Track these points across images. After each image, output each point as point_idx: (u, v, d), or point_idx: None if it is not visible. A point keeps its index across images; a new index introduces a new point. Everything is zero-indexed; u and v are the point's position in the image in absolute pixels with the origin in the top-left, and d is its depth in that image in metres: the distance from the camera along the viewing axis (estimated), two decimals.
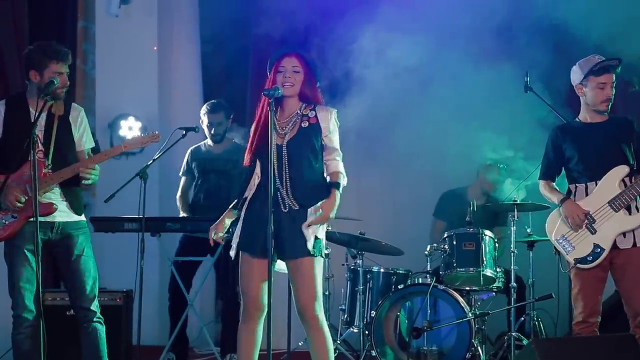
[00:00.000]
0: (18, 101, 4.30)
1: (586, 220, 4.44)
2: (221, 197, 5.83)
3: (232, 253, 3.98)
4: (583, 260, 4.42)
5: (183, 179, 6.02)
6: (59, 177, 4.22)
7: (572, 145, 4.55)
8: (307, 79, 3.96)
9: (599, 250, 4.41)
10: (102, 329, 4.34)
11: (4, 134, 4.24)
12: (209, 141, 5.96)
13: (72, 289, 4.32)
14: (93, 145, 4.48)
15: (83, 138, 4.39)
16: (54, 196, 4.27)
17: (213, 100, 6.02)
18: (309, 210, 3.87)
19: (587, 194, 4.50)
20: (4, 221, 4.19)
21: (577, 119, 4.64)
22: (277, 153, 3.89)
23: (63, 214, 4.29)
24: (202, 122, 5.91)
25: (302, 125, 3.94)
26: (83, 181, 4.26)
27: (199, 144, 6.02)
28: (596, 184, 4.47)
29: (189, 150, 6.00)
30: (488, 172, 6.22)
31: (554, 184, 4.67)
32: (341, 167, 3.98)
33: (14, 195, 4.13)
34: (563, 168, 4.61)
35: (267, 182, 3.82)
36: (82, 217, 4.39)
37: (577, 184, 4.55)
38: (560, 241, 4.52)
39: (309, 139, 3.93)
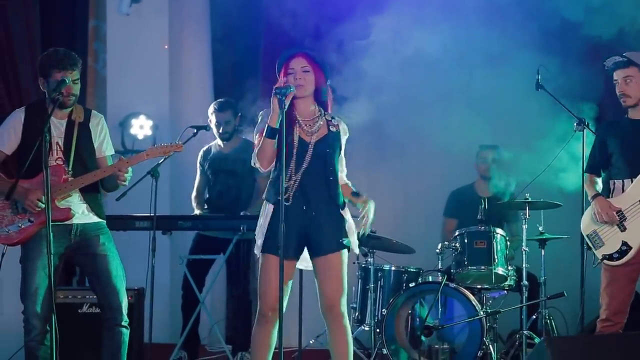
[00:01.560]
0: (37, 108, 4.30)
1: (617, 218, 4.43)
2: (231, 196, 5.86)
3: (258, 252, 3.97)
4: (610, 257, 4.42)
5: (198, 179, 6.06)
6: (80, 182, 4.22)
7: (615, 141, 4.56)
8: (318, 77, 3.98)
9: (625, 248, 4.41)
10: (126, 334, 4.31)
11: (23, 140, 4.24)
12: (218, 141, 5.97)
13: (101, 290, 4.28)
14: (113, 152, 4.48)
15: (103, 145, 4.39)
16: (73, 199, 4.27)
17: (221, 99, 6.04)
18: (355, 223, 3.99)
19: (623, 191, 4.49)
20: (19, 225, 4.19)
21: (626, 116, 4.64)
22: (304, 150, 3.92)
23: (82, 216, 4.29)
24: (210, 121, 5.92)
25: (331, 129, 4.00)
26: (119, 183, 4.27)
27: (210, 145, 6.04)
28: (632, 182, 4.46)
29: (201, 151, 6.02)
30: (482, 152, 6.24)
31: (599, 179, 4.66)
32: (346, 180, 4.13)
33: (35, 196, 4.11)
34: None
35: (291, 180, 3.86)
36: (101, 219, 4.37)
37: (615, 181, 4.55)
38: (592, 236, 4.53)
39: (336, 142, 4.01)
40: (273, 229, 3.88)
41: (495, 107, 6.22)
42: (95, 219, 4.33)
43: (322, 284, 3.94)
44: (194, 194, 6.04)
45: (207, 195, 6.01)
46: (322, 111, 4.03)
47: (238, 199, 5.88)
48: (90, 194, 4.32)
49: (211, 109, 5.93)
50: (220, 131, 5.88)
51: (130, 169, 4.27)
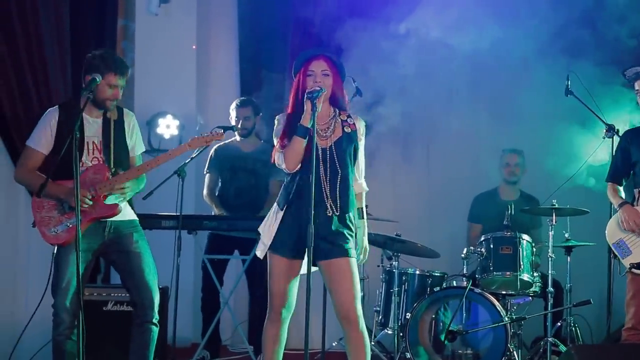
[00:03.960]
0: (71, 107, 4.32)
1: None
2: (251, 195, 5.88)
3: (259, 253, 4.00)
4: (638, 265, 4.39)
5: (208, 175, 6.02)
6: (124, 178, 4.25)
7: (639, 149, 4.52)
8: (336, 81, 3.97)
9: None
10: (156, 331, 4.32)
11: (58, 139, 4.24)
12: (237, 138, 5.99)
13: (133, 287, 4.29)
14: (144, 149, 4.52)
15: (135, 143, 4.42)
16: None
17: (243, 97, 6.12)
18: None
19: None
20: (67, 224, 4.21)
21: None
22: (322, 155, 3.90)
23: (119, 213, 4.30)
24: (230, 117, 5.95)
25: (345, 130, 3.97)
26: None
27: (225, 142, 6.03)
28: None
29: (214, 148, 6.01)
30: (505, 156, 6.20)
31: (621, 187, 4.65)
32: (365, 186, 4.09)
33: (82, 193, 4.10)
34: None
35: (307, 184, 3.81)
36: (135, 216, 4.40)
37: None
38: (620, 244, 4.50)
39: (351, 143, 3.98)
40: (281, 230, 3.90)
41: (522, 111, 6.19)
42: (128, 216, 4.37)
43: (334, 289, 3.91)
44: (206, 192, 5.98)
45: (222, 192, 5.98)
46: (337, 112, 4.01)
47: (256, 199, 5.89)
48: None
49: (233, 105, 5.99)
50: (240, 126, 5.90)
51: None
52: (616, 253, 4.54)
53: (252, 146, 5.99)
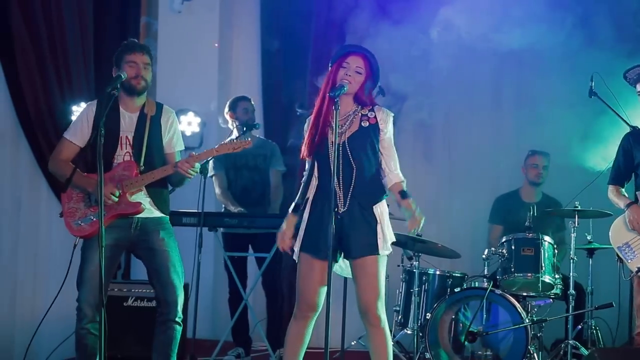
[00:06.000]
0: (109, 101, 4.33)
1: None
2: (256, 192, 5.85)
3: (294, 255, 3.96)
4: None
5: (216, 176, 5.90)
6: (150, 177, 4.24)
7: None
8: (366, 82, 3.95)
9: None
10: (179, 330, 4.32)
11: (93, 133, 4.23)
12: (234, 136, 5.87)
13: (158, 284, 4.29)
14: (183, 148, 4.49)
15: (173, 140, 4.40)
16: (138, 193, 4.28)
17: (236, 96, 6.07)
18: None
19: None
20: (92, 217, 4.22)
21: None
22: (336, 151, 3.86)
23: (144, 210, 4.29)
24: (226, 113, 5.91)
25: (362, 124, 3.93)
26: (185, 176, 4.24)
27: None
28: None
29: None
30: (533, 157, 6.13)
31: (623, 189, 4.61)
32: (401, 176, 3.96)
33: (109, 189, 4.15)
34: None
35: (326, 181, 3.82)
36: (164, 214, 4.37)
37: None
38: (623, 248, 4.47)
39: (369, 137, 3.92)
40: (307, 229, 3.89)
41: (545, 111, 6.15)
42: (157, 214, 4.34)
43: (357, 287, 3.92)
44: (219, 191, 5.89)
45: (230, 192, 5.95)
46: (359, 107, 3.97)
47: (263, 194, 5.88)
48: (155, 189, 4.32)
49: (229, 103, 5.93)
50: (248, 118, 5.83)
51: (197, 164, 4.26)
52: (621, 256, 4.50)
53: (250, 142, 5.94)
